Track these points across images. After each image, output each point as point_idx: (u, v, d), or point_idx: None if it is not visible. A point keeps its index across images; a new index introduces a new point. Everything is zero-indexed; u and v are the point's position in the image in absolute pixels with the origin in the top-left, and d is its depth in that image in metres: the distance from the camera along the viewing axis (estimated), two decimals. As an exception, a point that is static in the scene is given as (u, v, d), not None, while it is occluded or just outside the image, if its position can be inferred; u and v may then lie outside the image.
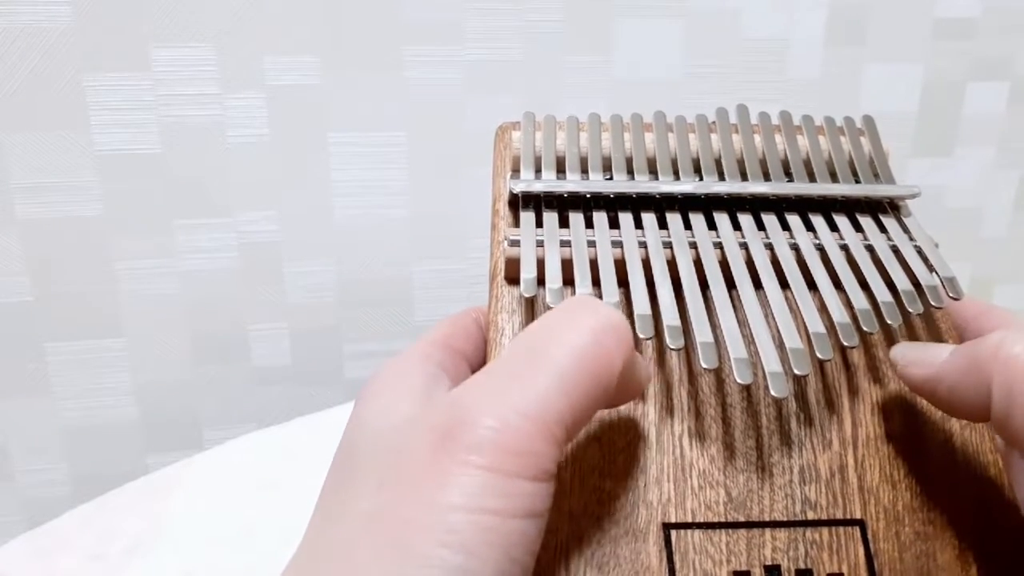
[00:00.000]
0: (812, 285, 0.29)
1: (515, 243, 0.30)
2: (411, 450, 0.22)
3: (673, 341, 0.27)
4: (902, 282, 0.29)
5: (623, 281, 0.29)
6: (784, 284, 0.29)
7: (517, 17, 0.61)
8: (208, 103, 0.58)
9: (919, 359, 0.27)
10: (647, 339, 0.27)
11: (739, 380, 0.26)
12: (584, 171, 0.33)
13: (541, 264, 0.29)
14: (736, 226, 0.31)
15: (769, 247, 0.30)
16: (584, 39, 0.62)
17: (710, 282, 0.29)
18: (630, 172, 0.33)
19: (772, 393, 0.25)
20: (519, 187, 0.31)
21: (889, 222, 0.32)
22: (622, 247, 0.30)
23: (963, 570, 0.26)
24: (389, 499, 0.22)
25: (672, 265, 0.29)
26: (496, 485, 0.21)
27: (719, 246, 0.30)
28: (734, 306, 0.28)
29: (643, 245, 0.30)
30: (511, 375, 0.23)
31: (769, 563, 0.26)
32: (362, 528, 0.22)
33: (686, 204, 0.32)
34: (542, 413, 0.22)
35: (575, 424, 0.23)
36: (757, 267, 0.30)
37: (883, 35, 0.67)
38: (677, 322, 0.27)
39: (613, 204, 0.32)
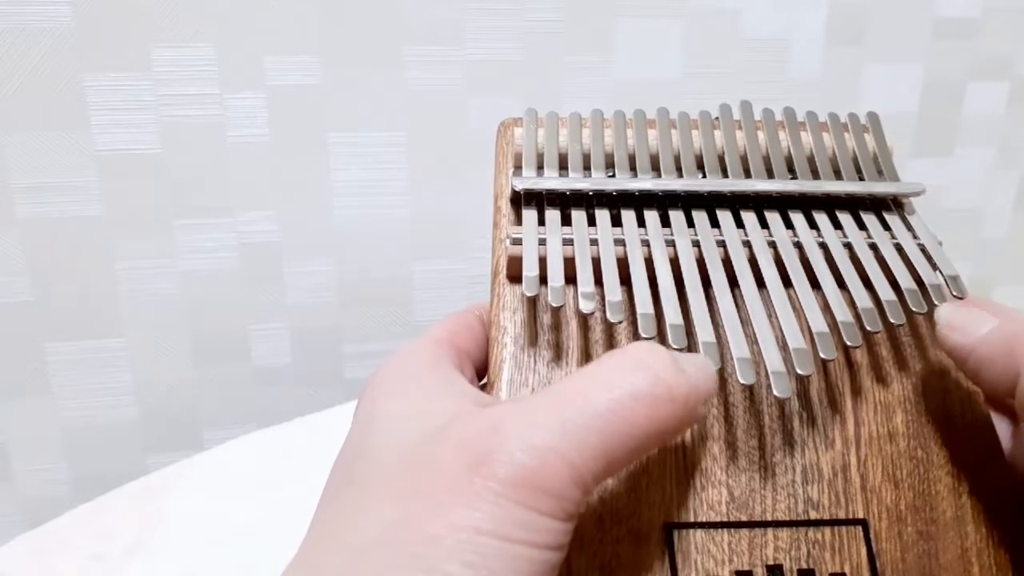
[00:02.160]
0: (815, 283, 0.29)
1: (517, 241, 0.30)
2: (442, 467, 0.22)
3: (676, 341, 0.27)
4: (905, 281, 0.29)
5: (625, 279, 0.29)
6: (787, 282, 0.29)
7: (517, 17, 0.61)
8: (208, 103, 0.58)
9: (961, 324, 0.27)
10: (650, 338, 0.27)
11: (742, 380, 0.26)
12: (587, 168, 0.33)
13: (543, 262, 0.29)
14: (739, 224, 0.31)
15: (772, 245, 0.30)
16: (584, 39, 0.62)
17: (713, 280, 0.29)
18: (633, 169, 0.33)
19: (775, 393, 0.25)
20: (521, 184, 0.31)
21: (893, 220, 0.32)
22: (625, 245, 0.30)
23: (965, 570, 0.26)
24: (415, 512, 0.22)
25: (675, 263, 0.29)
26: (524, 519, 0.21)
27: (722, 244, 0.30)
28: (737, 305, 0.28)
29: (646, 243, 0.30)
30: (554, 412, 0.22)
31: (771, 563, 0.26)
32: (382, 536, 0.22)
33: (689, 201, 0.32)
34: (578, 460, 0.22)
35: (605, 477, 0.23)
36: (760, 265, 0.29)
37: (883, 35, 0.67)
38: (680, 321, 0.27)
39: (616, 201, 0.32)
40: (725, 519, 0.26)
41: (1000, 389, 0.26)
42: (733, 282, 0.29)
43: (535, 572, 0.21)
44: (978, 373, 0.27)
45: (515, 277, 0.30)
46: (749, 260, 0.30)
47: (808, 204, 0.32)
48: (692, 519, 0.26)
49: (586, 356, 0.29)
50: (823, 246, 0.30)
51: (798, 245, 0.30)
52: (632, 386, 0.23)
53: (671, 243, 0.30)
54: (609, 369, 0.23)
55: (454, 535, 0.21)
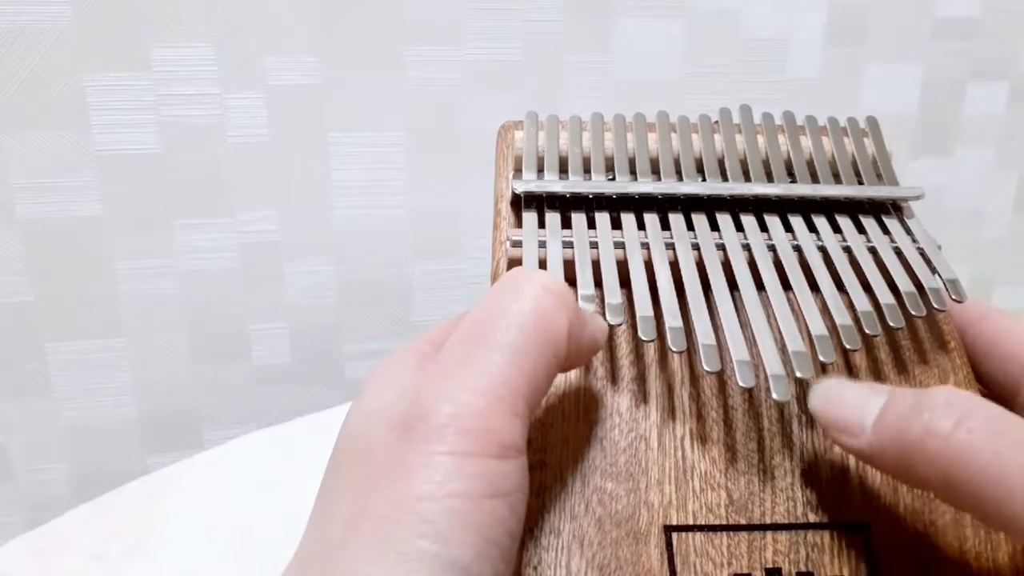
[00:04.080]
0: (814, 287, 0.29)
1: (517, 244, 0.30)
2: (378, 447, 0.22)
3: (675, 344, 0.27)
4: (904, 284, 0.29)
5: (625, 282, 0.29)
6: (786, 285, 0.29)
7: (517, 17, 0.61)
8: (208, 103, 0.58)
9: (841, 424, 0.24)
10: (649, 341, 0.27)
11: (741, 384, 0.26)
12: (587, 171, 0.33)
13: (543, 265, 0.29)
14: (739, 227, 0.31)
15: (772, 248, 0.30)
16: (584, 39, 0.62)
17: (712, 284, 0.29)
18: (633, 172, 0.33)
19: (774, 396, 0.25)
20: (521, 187, 0.31)
21: (892, 223, 0.32)
22: (624, 248, 0.30)
23: (965, 573, 0.26)
24: (366, 498, 0.22)
25: (674, 266, 0.29)
26: (461, 468, 0.21)
27: (721, 247, 0.30)
28: (736, 308, 0.28)
29: (645, 246, 0.30)
30: (460, 358, 0.23)
31: (770, 566, 0.26)
32: (347, 529, 0.22)
33: (689, 205, 0.32)
34: (495, 388, 0.22)
35: (533, 394, 0.23)
36: (759, 268, 0.30)
37: (883, 35, 0.67)
38: (679, 323, 0.27)
39: (616, 205, 0.32)
40: (724, 522, 0.26)
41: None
42: (732, 285, 0.29)
43: (486, 524, 0.21)
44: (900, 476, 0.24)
45: None
46: (748, 263, 0.30)
47: (807, 208, 0.32)
48: (691, 522, 0.26)
49: None
50: (822, 249, 0.31)
51: (797, 248, 0.31)
52: (515, 297, 0.24)
53: (671, 246, 0.30)
54: (490, 298, 0.24)
55: (400, 510, 0.21)
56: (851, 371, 0.29)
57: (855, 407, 0.24)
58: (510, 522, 0.22)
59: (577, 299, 0.28)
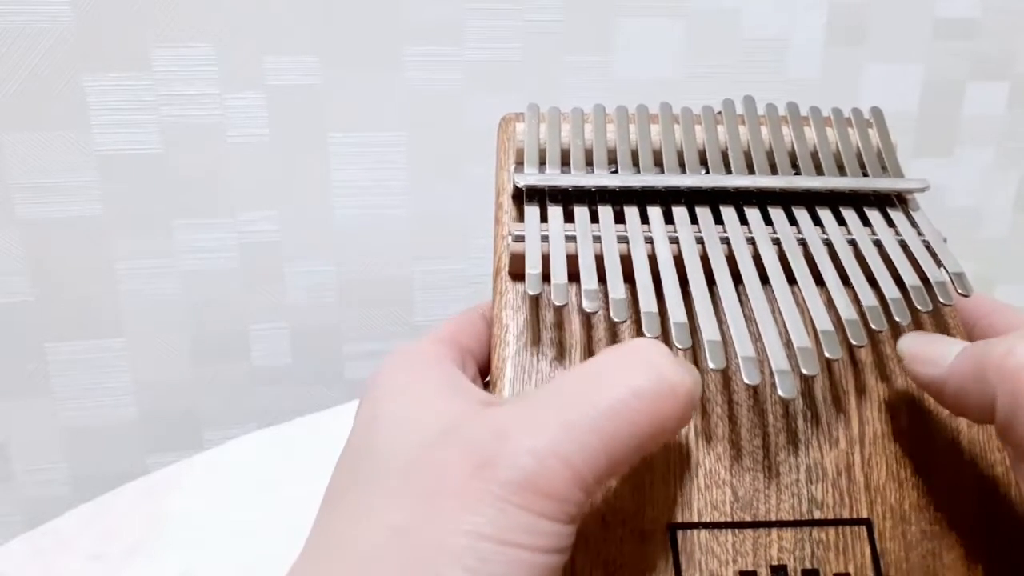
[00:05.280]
0: (819, 280, 0.29)
1: (519, 238, 0.30)
2: (446, 471, 0.22)
3: (680, 341, 0.26)
4: (910, 278, 0.29)
5: (629, 277, 0.28)
6: (791, 280, 0.29)
7: (517, 17, 0.61)
8: (208, 103, 0.58)
9: (926, 356, 0.26)
10: (653, 338, 0.27)
11: (747, 380, 0.26)
12: (589, 164, 0.32)
13: (546, 260, 0.29)
14: (743, 220, 0.31)
15: (776, 242, 0.30)
16: (584, 39, 0.62)
17: (717, 278, 0.28)
18: (636, 165, 0.32)
19: (780, 393, 0.25)
20: (523, 181, 0.31)
21: (897, 216, 0.32)
22: (628, 242, 0.30)
23: (969, 569, 0.26)
24: (419, 517, 0.22)
25: (678, 260, 0.29)
26: (527, 523, 0.21)
27: (726, 240, 0.30)
28: (741, 302, 0.28)
29: (649, 240, 0.30)
30: (557, 414, 0.22)
31: (775, 563, 0.25)
32: (388, 541, 0.22)
33: (692, 197, 0.32)
34: (581, 465, 0.22)
35: (609, 478, 0.23)
36: (764, 262, 0.29)
37: (883, 35, 0.66)
38: (684, 319, 0.27)
39: (619, 198, 0.31)
40: (729, 519, 0.26)
41: (982, 416, 0.24)
42: (737, 279, 0.29)
43: (537, 575, 0.21)
44: (956, 405, 0.25)
45: (517, 275, 0.30)
46: (753, 257, 0.29)
47: (812, 200, 0.32)
48: (696, 519, 0.26)
49: (589, 354, 0.28)
50: (827, 243, 0.30)
51: (802, 242, 0.30)
52: (636, 384, 0.23)
53: (674, 239, 0.30)
54: (612, 367, 0.23)
55: (456, 540, 0.21)
56: (856, 366, 0.29)
57: (943, 342, 0.26)
58: (557, 573, 0.22)
59: (580, 294, 0.28)
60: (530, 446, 0.22)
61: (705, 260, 0.29)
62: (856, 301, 0.28)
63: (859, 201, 0.32)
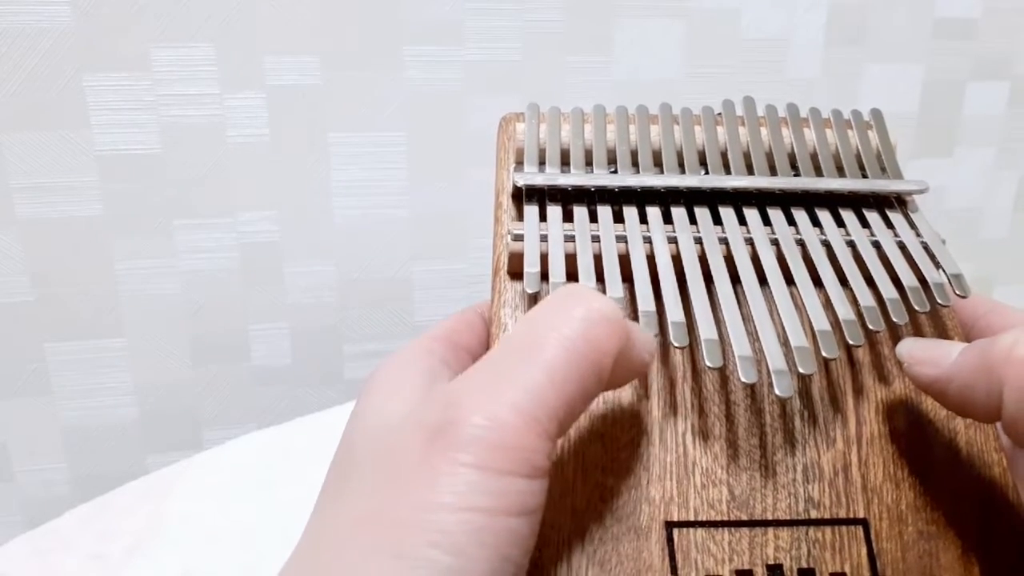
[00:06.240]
0: (817, 281, 0.29)
1: (518, 237, 0.30)
2: (403, 449, 0.22)
3: (678, 340, 0.26)
4: (908, 279, 0.29)
5: (627, 276, 0.29)
6: (789, 280, 0.29)
7: (517, 17, 0.61)
8: (208, 103, 0.58)
9: (927, 358, 0.26)
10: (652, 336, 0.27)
11: (744, 379, 0.26)
12: (588, 164, 0.32)
13: (545, 259, 0.29)
14: (742, 221, 0.31)
15: (775, 242, 0.30)
16: (584, 39, 0.62)
17: (715, 278, 0.28)
18: (635, 165, 0.32)
19: (777, 392, 0.25)
20: (523, 180, 0.31)
21: (896, 217, 0.32)
22: (626, 242, 0.30)
23: (966, 570, 0.26)
24: (382, 500, 0.21)
25: (677, 260, 0.29)
26: (486, 483, 0.20)
27: (724, 241, 0.30)
28: (739, 302, 0.28)
29: (648, 240, 0.30)
30: (502, 370, 0.22)
31: (772, 562, 0.25)
32: (355, 529, 0.21)
33: (691, 197, 0.32)
34: (533, 408, 0.21)
35: (568, 417, 0.22)
36: (762, 263, 0.29)
37: (883, 35, 0.67)
38: (681, 318, 0.27)
39: (618, 198, 0.31)
40: (726, 518, 0.26)
41: (988, 413, 0.24)
42: (735, 279, 0.29)
43: (504, 542, 0.21)
44: (961, 403, 0.25)
45: (516, 273, 0.30)
46: (751, 257, 0.29)
47: (811, 201, 0.32)
48: (693, 518, 0.26)
49: None
50: (826, 243, 0.30)
51: (801, 242, 0.30)
52: (567, 316, 0.23)
53: (673, 239, 0.30)
54: (543, 310, 0.23)
55: (417, 516, 0.20)
56: (854, 366, 0.29)
57: (943, 344, 0.26)
58: (528, 540, 0.21)
59: None
60: (477, 404, 0.21)
61: (703, 260, 0.29)
62: (854, 301, 0.28)
63: (858, 202, 0.32)
